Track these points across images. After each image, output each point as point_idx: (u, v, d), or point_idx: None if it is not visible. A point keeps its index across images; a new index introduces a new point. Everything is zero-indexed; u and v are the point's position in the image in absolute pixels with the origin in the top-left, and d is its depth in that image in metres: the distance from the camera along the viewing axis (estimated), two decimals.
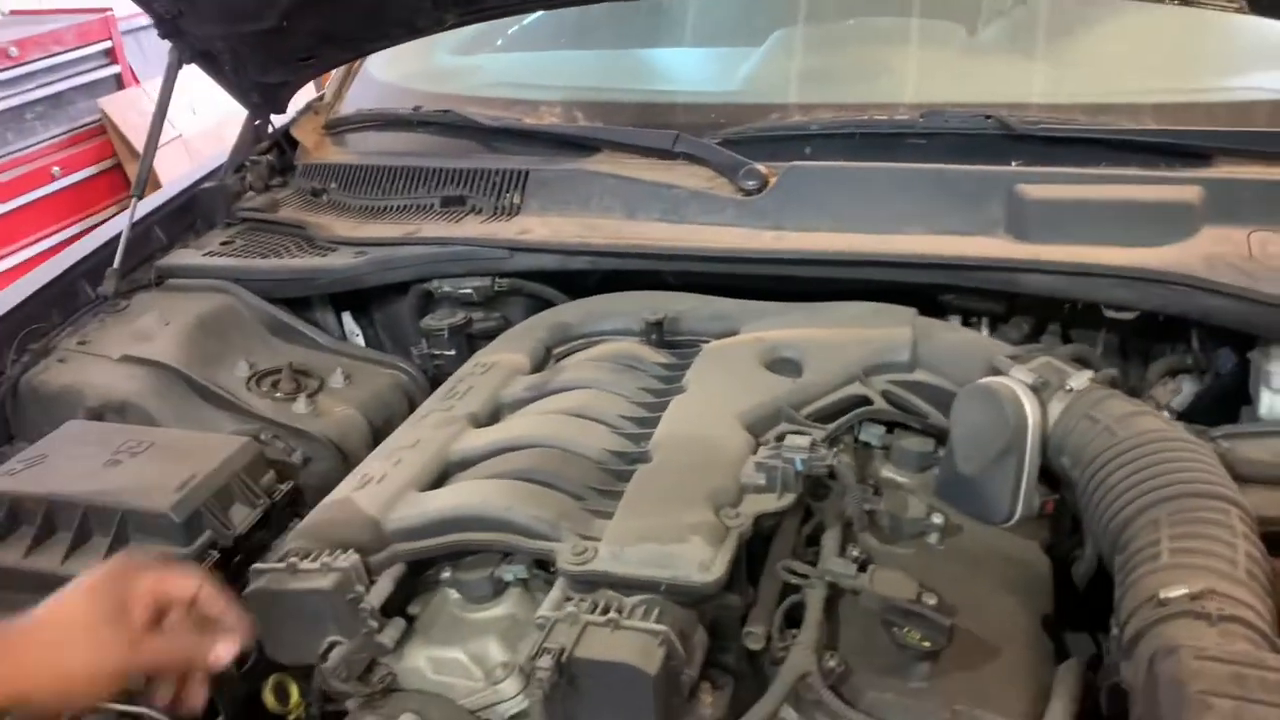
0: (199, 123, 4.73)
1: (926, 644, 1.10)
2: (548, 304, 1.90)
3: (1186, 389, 1.67)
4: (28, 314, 1.80)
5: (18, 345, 1.76)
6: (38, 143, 4.31)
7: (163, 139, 4.76)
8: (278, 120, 2.38)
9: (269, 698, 1.30)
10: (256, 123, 2.30)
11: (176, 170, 4.77)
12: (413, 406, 1.83)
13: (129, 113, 4.60)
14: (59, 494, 1.34)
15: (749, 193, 1.79)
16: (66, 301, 1.88)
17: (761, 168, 1.79)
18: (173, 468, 1.37)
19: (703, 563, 1.11)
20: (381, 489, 1.31)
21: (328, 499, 1.33)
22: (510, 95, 2.21)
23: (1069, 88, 1.93)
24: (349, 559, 1.19)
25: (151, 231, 2.06)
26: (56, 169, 4.33)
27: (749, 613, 1.20)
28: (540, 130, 2.01)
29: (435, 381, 1.89)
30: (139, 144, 4.61)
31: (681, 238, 1.74)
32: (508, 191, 1.95)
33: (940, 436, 1.48)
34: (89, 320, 1.85)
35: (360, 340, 2.09)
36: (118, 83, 4.74)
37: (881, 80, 2.01)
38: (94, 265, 1.93)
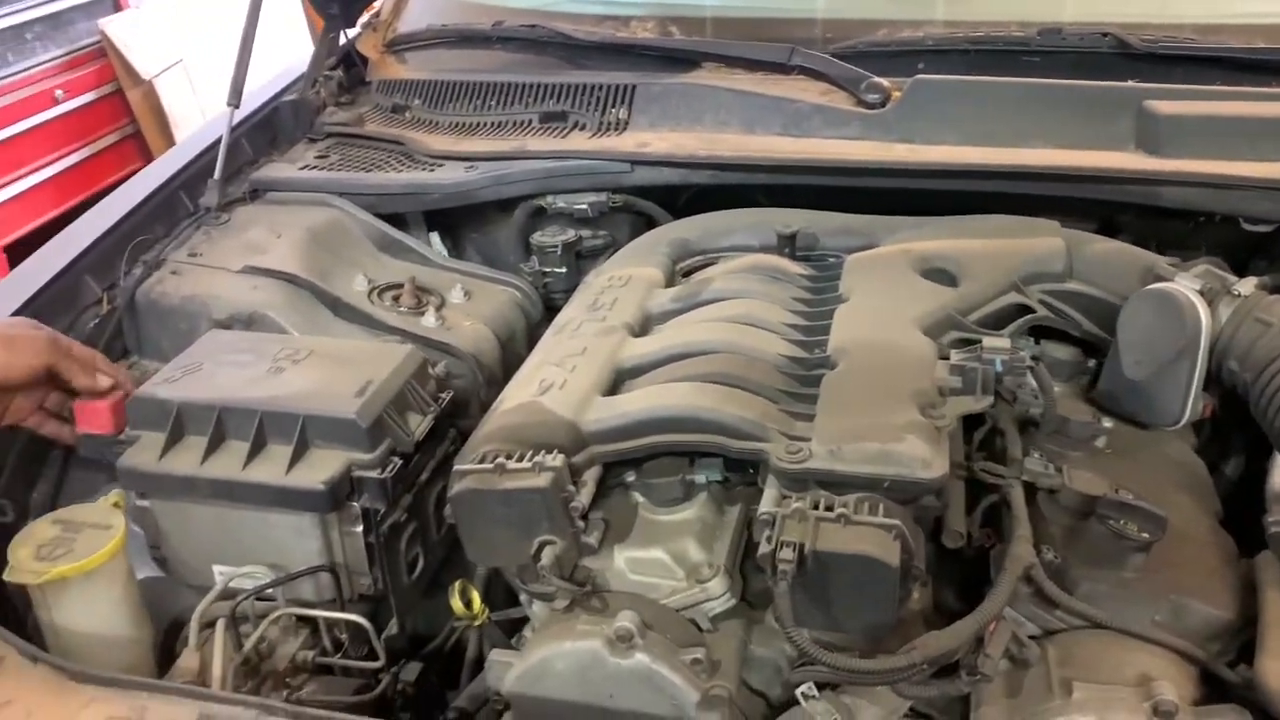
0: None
1: (1145, 535, 1.13)
2: (652, 222, 1.89)
3: None
4: (134, 226, 1.75)
5: (128, 257, 1.70)
6: (38, 64, 4.12)
7: (164, 64, 4.63)
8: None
9: (457, 603, 1.30)
10: (331, 35, 2.23)
11: (180, 97, 4.64)
12: (529, 323, 1.82)
13: (128, 34, 4.42)
14: (231, 400, 1.31)
15: (870, 106, 1.78)
16: (167, 214, 1.82)
17: (884, 81, 1.78)
18: (343, 375, 1.34)
19: (924, 460, 1.12)
20: (567, 394, 1.29)
21: (507, 404, 1.32)
22: (599, 10, 2.16)
23: (1178, 8, 1.93)
24: (558, 459, 1.18)
25: (239, 144, 1.99)
26: (59, 92, 4.16)
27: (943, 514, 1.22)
28: (648, 44, 1.97)
29: (544, 299, 1.88)
30: (140, 67, 4.45)
31: (810, 150, 1.73)
32: (613, 106, 1.91)
33: (1090, 346, 1.50)
34: (192, 233, 1.80)
35: None
36: (114, 4, 4.55)
37: None
38: (190, 177, 1.88)
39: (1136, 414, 1.39)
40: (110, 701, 1.04)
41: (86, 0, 4.39)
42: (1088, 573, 1.17)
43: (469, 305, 1.73)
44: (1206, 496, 1.35)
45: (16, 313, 1.55)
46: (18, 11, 4.07)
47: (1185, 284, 1.36)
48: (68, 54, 4.28)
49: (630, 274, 1.62)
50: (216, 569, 1.34)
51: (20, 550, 1.22)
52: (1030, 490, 1.26)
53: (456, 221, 2.05)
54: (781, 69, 1.88)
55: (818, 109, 1.79)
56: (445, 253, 2.07)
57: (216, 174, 1.84)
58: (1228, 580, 1.18)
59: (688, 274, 1.71)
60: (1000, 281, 1.47)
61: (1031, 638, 1.15)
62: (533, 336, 1.77)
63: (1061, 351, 1.50)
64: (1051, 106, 1.71)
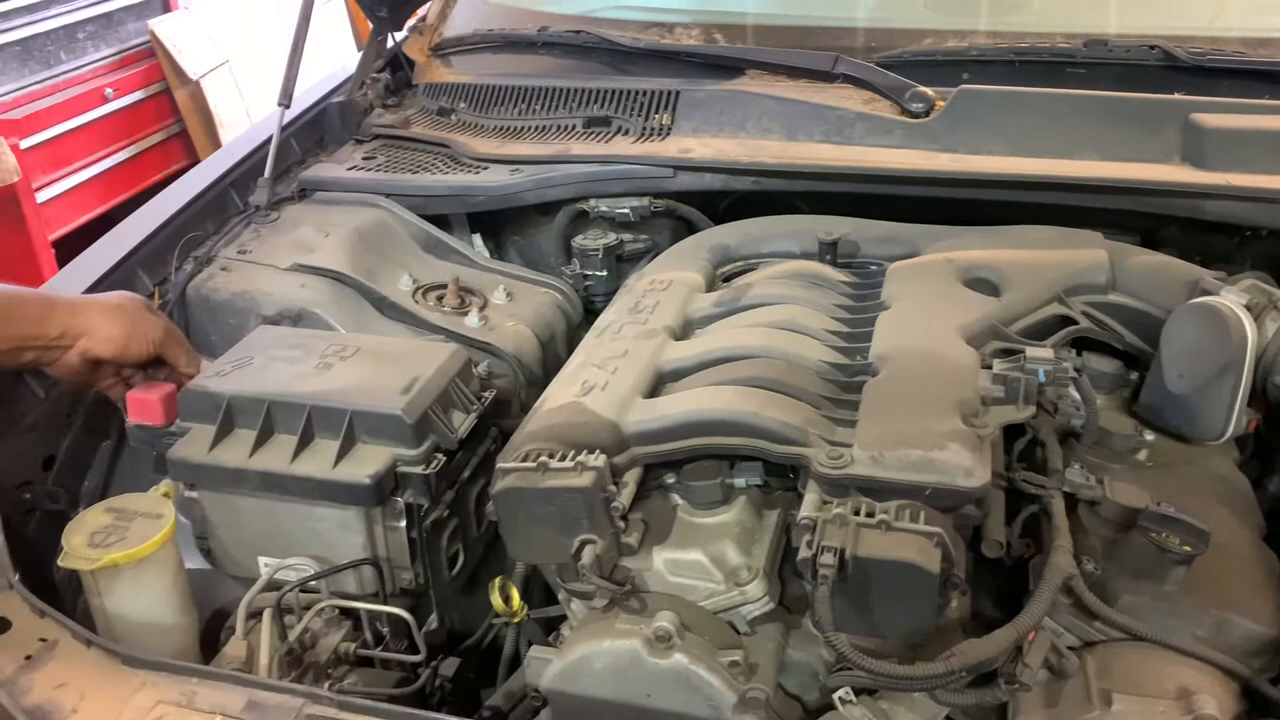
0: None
1: (1187, 548, 1.13)
2: (692, 228, 1.90)
3: None
4: (186, 222, 1.78)
5: (180, 253, 1.74)
6: (89, 63, 4.21)
7: (211, 65, 4.70)
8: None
9: (496, 599, 1.32)
10: (379, 38, 2.26)
11: (226, 98, 4.71)
12: (570, 325, 1.84)
13: (177, 35, 4.50)
14: (280, 395, 1.33)
15: (914, 116, 1.78)
16: (217, 211, 1.86)
17: (929, 91, 1.78)
18: (390, 372, 1.36)
19: (966, 468, 1.12)
20: (609, 395, 1.31)
21: (550, 404, 1.33)
22: (643, 17, 2.17)
23: (1226, 21, 1.92)
24: (599, 459, 1.19)
25: (288, 144, 2.03)
26: (109, 90, 4.24)
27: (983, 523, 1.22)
28: (693, 51, 1.98)
29: (584, 302, 1.90)
30: (188, 68, 4.53)
31: (854, 158, 1.74)
32: (657, 112, 1.93)
33: (1132, 358, 1.50)
34: (241, 230, 1.83)
35: None
36: (164, 5, 4.64)
37: (1035, 7, 2.00)
38: (241, 176, 1.91)
39: (1179, 428, 1.38)
40: (161, 685, 1.07)
41: (137, 1, 4.48)
42: (1128, 585, 1.16)
43: (511, 306, 1.76)
44: (1249, 512, 1.34)
45: None
46: (71, 11, 4.16)
47: (1231, 298, 1.35)
48: (118, 53, 4.36)
49: (671, 278, 1.64)
50: (262, 560, 1.36)
51: (74, 537, 1.25)
52: (1071, 501, 1.26)
53: (499, 224, 2.07)
54: (826, 77, 1.89)
55: (861, 117, 1.80)
56: (488, 254, 2.10)
57: (266, 173, 1.88)
58: (1270, 596, 1.17)
59: (728, 279, 1.72)
60: (1043, 292, 1.47)
61: (1071, 648, 1.15)
62: (573, 338, 1.79)
63: (1104, 364, 1.50)
64: (1097, 118, 1.71)
